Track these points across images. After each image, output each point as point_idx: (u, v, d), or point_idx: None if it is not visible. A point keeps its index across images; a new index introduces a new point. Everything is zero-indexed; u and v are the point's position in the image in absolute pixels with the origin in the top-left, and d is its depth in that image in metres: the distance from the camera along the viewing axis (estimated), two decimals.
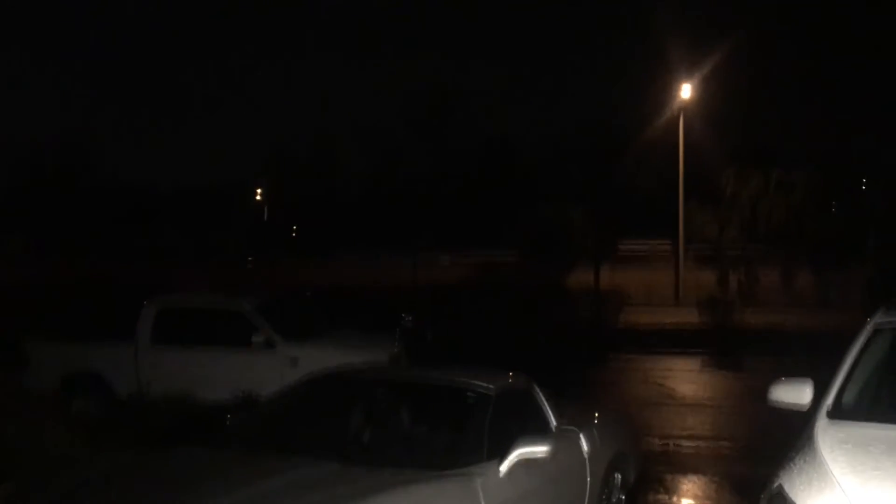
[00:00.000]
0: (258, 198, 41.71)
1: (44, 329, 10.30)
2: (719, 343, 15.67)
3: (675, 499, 6.94)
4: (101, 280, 22.39)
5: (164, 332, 9.50)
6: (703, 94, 24.30)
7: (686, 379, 13.07)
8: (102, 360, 9.49)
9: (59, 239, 31.77)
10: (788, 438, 4.31)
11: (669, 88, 24.74)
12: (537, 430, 5.09)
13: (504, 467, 4.50)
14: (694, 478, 7.40)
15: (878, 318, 4.84)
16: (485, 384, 5.15)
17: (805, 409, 4.53)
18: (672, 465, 7.81)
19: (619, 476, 6.12)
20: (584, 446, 5.55)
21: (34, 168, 35.20)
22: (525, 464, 4.57)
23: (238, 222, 36.99)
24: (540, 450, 4.55)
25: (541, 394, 5.60)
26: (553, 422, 5.50)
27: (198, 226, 35.54)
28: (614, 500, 6.05)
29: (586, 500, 5.49)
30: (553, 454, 4.62)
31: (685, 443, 8.77)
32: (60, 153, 35.70)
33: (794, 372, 4.87)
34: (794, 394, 4.63)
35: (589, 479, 5.53)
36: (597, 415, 6.30)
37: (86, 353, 9.59)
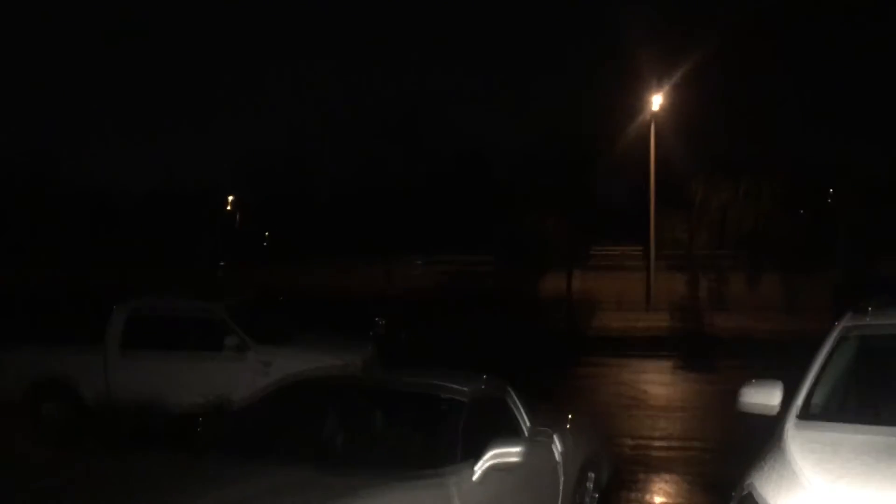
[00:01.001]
0: (229, 206, 41.42)
1: (12, 335, 10.10)
2: (690, 347, 15.83)
3: (647, 499, 7.00)
4: (69, 286, 22.07)
5: (134, 336, 9.36)
6: (673, 104, 24.56)
7: (657, 382, 13.18)
8: (72, 365, 9.34)
9: (27, 245, 31.30)
10: (758, 440, 4.36)
11: (640, 98, 24.99)
12: (511, 433, 5.11)
13: (478, 470, 4.50)
14: (666, 479, 7.47)
15: (846, 323, 4.92)
16: (458, 387, 5.16)
17: (775, 411, 4.59)
18: (644, 466, 7.87)
19: (592, 477, 6.17)
20: (558, 449, 5.58)
21: (1, 175, 34.66)
22: (499, 467, 4.58)
23: (210, 228, 36.66)
24: (513, 452, 4.56)
25: (514, 397, 5.62)
26: (526, 425, 5.52)
27: (169, 231, 35.19)
28: (587, 501, 6.09)
29: (559, 502, 5.52)
30: (526, 457, 4.63)
31: (657, 444, 8.84)
32: (29, 160, 35.20)
33: (763, 375, 4.93)
34: (764, 396, 4.68)
35: (562, 480, 5.56)
36: (569, 418, 6.35)
37: (55, 358, 9.42)
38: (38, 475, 4.76)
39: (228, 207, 41.26)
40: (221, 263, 30.47)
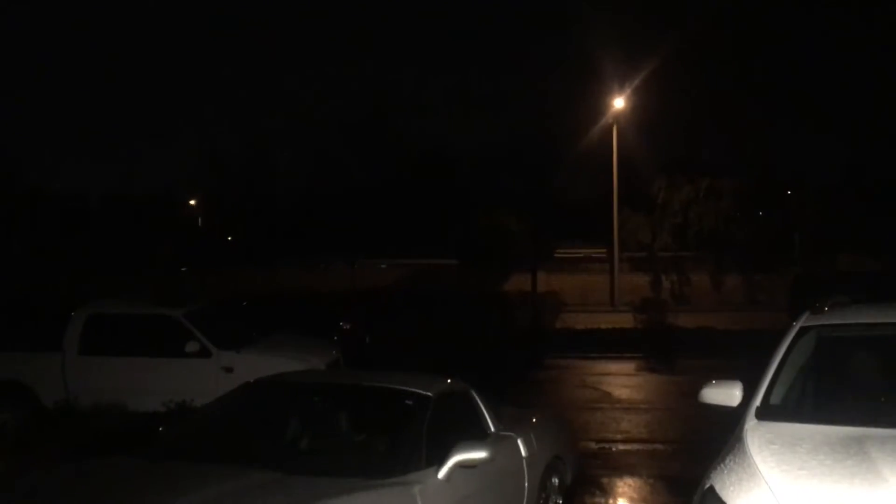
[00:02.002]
0: (191, 209, 40.94)
1: None
2: (653, 345, 15.98)
3: (611, 500, 7.05)
4: (26, 291, 21.61)
5: (93, 340, 9.23)
6: (635, 105, 24.85)
7: (621, 382, 13.29)
8: (28, 369, 9.17)
9: None
10: (721, 438, 4.42)
11: (603, 99, 25.22)
12: (476, 436, 5.11)
13: (442, 474, 4.50)
14: (629, 479, 7.53)
15: (803, 322, 4.99)
16: (422, 390, 5.16)
17: (734, 409, 4.65)
18: (608, 466, 7.94)
19: (557, 479, 6.20)
20: (522, 450, 5.60)
21: None
22: (464, 469, 4.58)
23: (171, 231, 36.16)
24: (478, 455, 4.56)
25: (478, 399, 5.63)
26: (491, 426, 5.53)
27: (129, 235, 34.65)
28: (552, 502, 6.11)
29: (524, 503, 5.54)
30: (492, 459, 4.64)
31: (621, 445, 8.92)
32: None
33: (724, 372, 5.00)
34: (724, 396, 4.75)
35: (527, 482, 5.57)
36: (534, 419, 6.37)
37: (9, 362, 9.24)
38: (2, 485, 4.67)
39: (192, 205, 40.80)
40: (183, 269, 30.07)
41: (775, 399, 4.54)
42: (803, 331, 4.92)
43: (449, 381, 5.62)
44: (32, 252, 31.53)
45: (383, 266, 28.29)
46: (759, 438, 4.04)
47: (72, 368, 9.10)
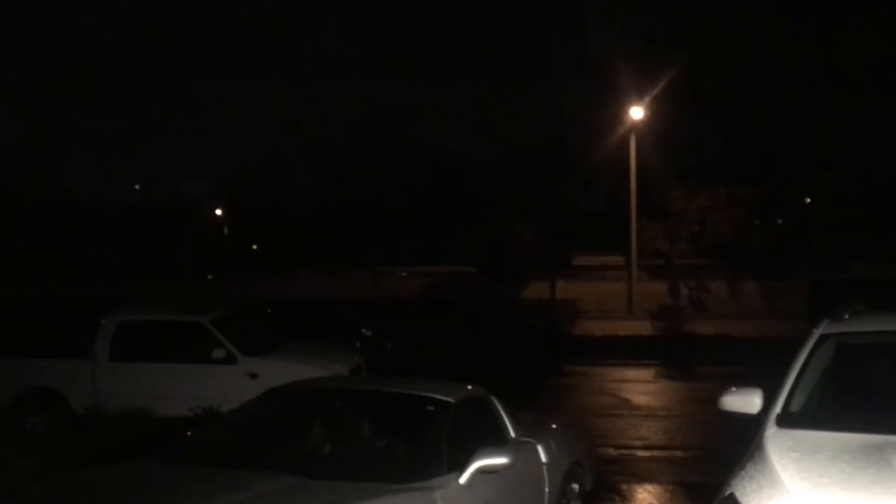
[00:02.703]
0: (216, 218, 41.25)
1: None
2: (671, 352, 15.96)
3: None
4: (56, 298, 21.91)
5: (122, 346, 9.39)
6: (650, 113, 24.81)
7: (639, 388, 13.29)
8: (59, 375, 9.35)
9: (8, 256, 30.98)
10: (740, 445, 4.45)
11: (619, 107, 25.21)
12: (496, 442, 5.15)
13: (464, 479, 4.54)
14: (648, 486, 7.55)
15: (823, 329, 4.99)
16: (444, 396, 5.21)
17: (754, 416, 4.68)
18: (627, 473, 7.95)
19: (576, 485, 6.23)
20: (542, 456, 5.63)
21: None
22: (484, 475, 4.62)
23: (195, 239, 36.45)
24: (499, 461, 4.60)
25: (499, 405, 5.69)
26: (511, 432, 5.58)
27: (155, 243, 35.00)
28: None
29: None
30: (512, 465, 4.69)
31: (640, 452, 8.93)
32: (10, 173, 34.86)
33: (743, 380, 5.03)
34: (744, 403, 4.76)
35: (547, 488, 5.62)
36: (553, 425, 6.41)
37: (41, 368, 9.42)
38: (25, 488, 4.78)
39: (218, 214, 41.08)
40: (209, 276, 30.33)
41: (795, 406, 4.54)
42: (823, 338, 4.91)
43: (469, 387, 5.68)
44: (56, 259, 31.89)
45: (404, 274, 28.39)
46: (779, 446, 4.05)
47: (101, 374, 9.27)
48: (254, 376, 8.93)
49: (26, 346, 10.05)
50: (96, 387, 9.13)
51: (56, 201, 36.29)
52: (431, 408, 5.13)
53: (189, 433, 5.57)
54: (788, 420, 4.40)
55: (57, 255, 32.55)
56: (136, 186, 46.53)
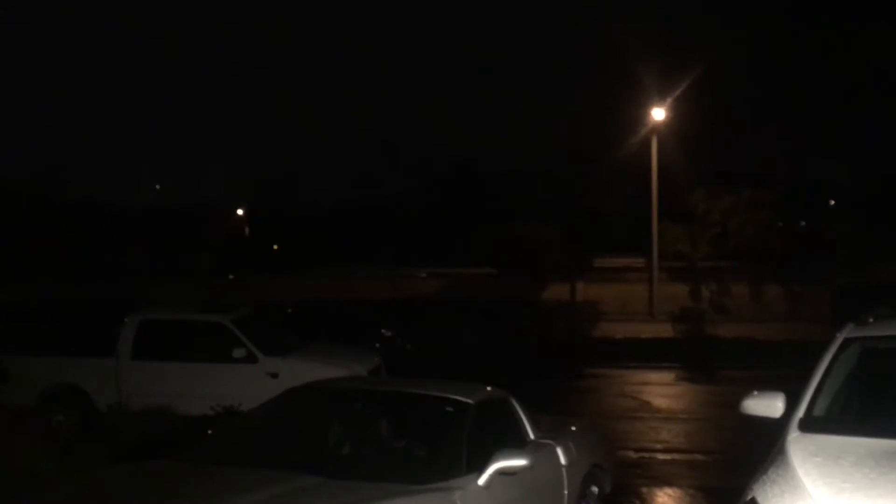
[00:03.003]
0: (239, 214, 41.54)
1: (25, 344, 10.22)
2: (693, 355, 15.86)
3: None
4: (79, 297, 22.21)
5: (145, 345, 9.50)
6: (673, 115, 24.67)
7: (660, 391, 13.22)
8: (83, 373, 9.47)
9: (38, 257, 31.42)
10: (762, 450, 4.42)
11: (640, 108, 25.10)
12: (515, 443, 5.15)
13: (483, 480, 4.54)
14: (669, 490, 7.51)
15: (847, 334, 4.95)
16: (463, 397, 5.21)
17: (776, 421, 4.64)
18: (647, 476, 7.92)
19: (596, 487, 6.21)
20: (561, 458, 5.62)
21: (5, 187, 34.79)
22: (503, 476, 4.61)
23: (216, 239, 36.76)
24: (518, 463, 4.60)
25: (518, 406, 5.68)
26: (531, 434, 5.57)
27: (177, 244, 35.36)
28: None
29: None
30: (531, 467, 4.68)
31: (660, 455, 8.88)
32: (34, 173, 35.38)
33: (765, 383, 4.99)
34: (766, 407, 4.72)
35: (566, 490, 5.60)
36: (573, 427, 6.40)
37: (66, 367, 9.56)
38: (49, 485, 4.84)
39: (239, 215, 41.38)
40: (230, 276, 30.57)
41: (819, 411, 4.51)
42: (847, 342, 4.88)
43: (489, 388, 5.67)
44: (82, 260, 32.28)
45: (423, 275, 28.42)
46: (802, 450, 4.02)
47: (124, 372, 9.38)
48: (274, 376, 8.99)
49: (52, 345, 10.20)
50: (119, 385, 9.24)
51: (80, 202, 36.74)
52: (450, 409, 5.13)
53: (210, 432, 5.60)
54: (811, 424, 4.37)
55: (81, 255, 32.95)
56: (157, 186, 47.00)
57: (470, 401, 5.18)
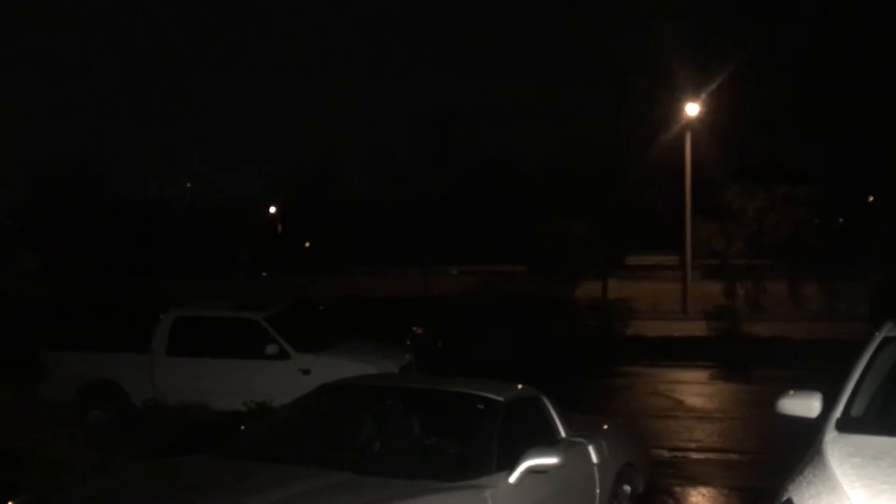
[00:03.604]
0: (272, 212, 41.92)
1: (60, 341, 10.42)
2: (727, 354, 15.67)
3: None
4: (115, 294, 22.60)
5: (179, 342, 9.62)
6: (707, 111, 24.39)
7: (694, 390, 13.08)
8: (119, 369, 9.62)
9: (72, 255, 32.04)
10: (797, 449, 4.35)
11: (672, 105, 24.86)
12: (546, 442, 5.13)
13: (513, 479, 4.53)
14: (703, 489, 7.43)
15: (886, 332, 4.87)
16: (494, 395, 5.20)
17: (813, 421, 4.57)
18: (681, 476, 7.84)
19: (628, 486, 6.16)
20: (593, 457, 5.58)
21: (49, 187, 35.53)
22: (534, 475, 4.60)
23: (249, 237, 37.14)
24: (549, 461, 4.58)
25: (549, 404, 5.65)
26: (562, 432, 5.54)
27: (211, 242, 35.80)
28: None
29: None
30: (563, 465, 4.66)
31: (694, 454, 8.79)
32: (73, 172, 36.07)
33: (801, 383, 4.91)
34: (803, 407, 4.65)
35: (598, 489, 5.56)
36: (605, 426, 6.35)
37: (103, 362, 9.72)
38: (85, 478, 4.92)
39: (272, 213, 41.77)
40: (264, 274, 30.88)
41: (857, 411, 4.44)
42: (886, 341, 4.80)
43: (520, 386, 5.65)
44: (119, 258, 32.83)
45: (455, 272, 28.45)
46: (839, 451, 3.96)
47: (159, 368, 9.51)
48: (306, 372, 9.06)
49: (89, 341, 10.38)
50: (154, 380, 9.37)
51: (117, 200, 37.34)
52: (481, 406, 5.12)
53: (242, 428, 5.65)
54: (849, 425, 4.30)
55: (118, 253, 33.50)
56: (188, 185, 47.50)
57: (500, 398, 5.17)
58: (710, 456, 8.74)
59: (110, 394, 9.43)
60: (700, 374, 14.55)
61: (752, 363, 14.67)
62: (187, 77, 70.15)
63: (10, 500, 4.38)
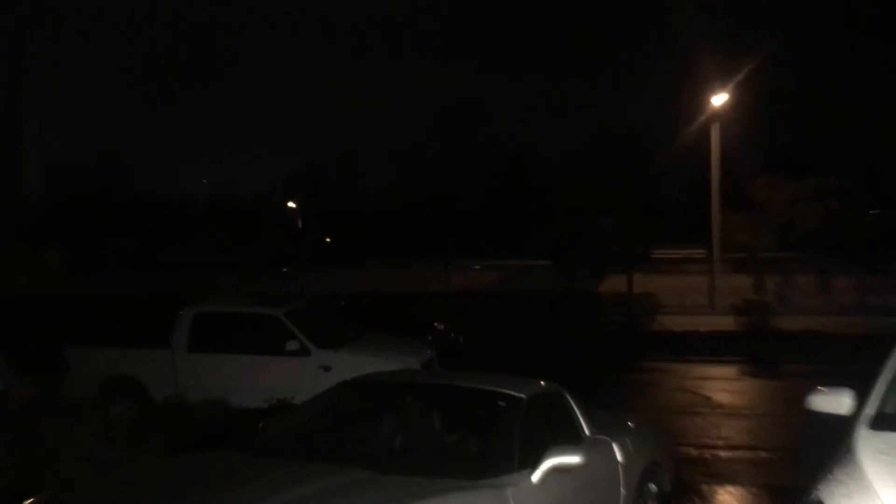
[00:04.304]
0: (292, 207, 42.13)
1: (83, 337, 10.49)
2: (756, 349, 15.45)
3: None
4: (138, 290, 22.84)
5: (200, 338, 9.63)
6: (733, 103, 24.06)
7: (722, 386, 12.91)
8: (141, 365, 9.66)
9: (95, 252, 32.44)
10: (828, 447, 4.23)
11: (697, 96, 24.58)
12: (569, 440, 5.04)
13: (535, 477, 4.46)
14: (731, 488, 7.30)
15: None
16: (515, 392, 5.13)
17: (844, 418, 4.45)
18: (708, 474, 7.71)
19: (654, 485, 6.06)
20: (618, 455, 5.50)
21: (74, 184, 36.00)
22: (557, 473, 4.53)
23: (270, 233, 37.37)
24: (572, 459, 4.50)
25: (572, 401, 5.56)
26: (585, 430, 5.46)
27: (230, 237, 36.06)
28: None
29: None
30: (586, 463, 4.57)
31: (721, 452, 8.65)
32: (99, 169, 36.53)
33: (832, 378, 4.79)
34: (833, 403, 4.55)
35: (622, 488, 5.47)
36: (630, 423, 6.25)
37: (124, 358, 9.77)
38: (106, 474, 4.91)
39: (292, 208, 41.98)
40: (284, 269, 31.02)
41: (890, 408, 4.32)
42: None
43: (542, 383, 5.58)
44: (141, 254, 33.18)
45: (476, 267, 28.39)
46: (871, 449, 3.86)
47: (180, 365, 9.53)
48: (327, 369, 9.02)
49: (111, 336, 10.44)
50: (175, 377, 9.39)
51: (140, 197, 37.73)
52: (503, 403, 5.05)
53: (261, 425, 5.62)
54: (881, 422, 4.19)
55: (142, 251, 33.86)
56: (204, 181, 47.85)
57: (522, 395, 5.09)
58: (739, 454, 8.59)
59: (131, 390, 9.48)
60: (728, 370, 14.36)
61: (781, 358, 14.45)
62: (208, 73, 70.66)
63: (31, 495, 4.38)
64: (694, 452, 8.48)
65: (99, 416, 7.61)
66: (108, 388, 9.50)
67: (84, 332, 10.87)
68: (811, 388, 4.76)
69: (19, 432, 6.19)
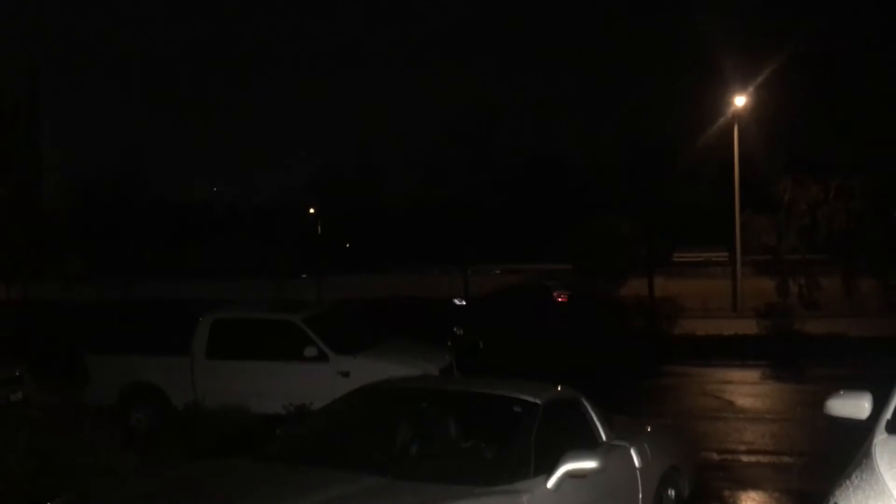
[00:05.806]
0: (311, 213, 42.29)
1: (102, 344, 10.56)
2: (779, 352, 15.27)
3: None
4: (157, 296, 23.00)
5: (218, 344, 9.66)
6: (755, 104, 23.86)
7: (745, 390, 12.77)
8: (160, 372, 9.71)
9: (115, 258, 32.67)
10: (853, 452, 4.15)
11: (719, 98, 24.41)
12: (586, 445, 5.00)
13: (551, 483, 4.43)
14: (753, 493, 7.21)
15: None
16: (531, 397, 5.10)
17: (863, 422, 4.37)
18: (730, 479, 7.62)
19: (673, 491, 5.99)
20: (636, 460, 5.44)
21: (93, 190, 36.29)
22: (573, 479, 4.49)
23: (289, 239, 37.50)
24: (589, 465, 4.46)
25: (589, 406, 5.52)
26: (602, 435, 5.41)
27: (250, 243, 36.22)
28: None
29: None
30: (602, 469, 4.53)
31: (744, 457, 8.55)
32: (118, 176, 36.80)
33: (856, 382, 4.70)
34: (852, 407, 4.47)
35: (640, 494, 5.41)
36: (648, 428, 6.19)
37: (144, 365, 9.81)
38: (126, 481, 4.94)
39: (312, 213, 42.13)
40: (304, 275, 31.12)
41: None
42: None
43: (559, 388, 5.54)
44: (160, 260, 33.41)
45: (497, 272, 28.33)
46: (888, 454, 3.77)
47: (199, 371, 9.56)
48: (345, 375, 9.02)
49: (130, 344, 10.50)
50: (194, 383, 9.42)
51: (159, 203, 37.99)
52: (518, 409, 5.03)
53: (277, 431, 5.63)
54: None
55: (161, 256, 34.09)
56: (214, 189, 48.11)
57: (538, 401, 5.06)
58: (762, 459, 8.48)
59: (151, 397, 9.53)
60: (751, 374, 14.20)
61: (806, 362, 14.27)
62: (225, 78, 71.26)
63: (49, 501, 4.42)
64: (716, 457, 8.39)
65: (119, 423, 7.66)
66: (127, 396, 9.56)
67: (103, 338, 10.92)
68: (831, 392, 4.68)
69: (38, 439, 6.25)
